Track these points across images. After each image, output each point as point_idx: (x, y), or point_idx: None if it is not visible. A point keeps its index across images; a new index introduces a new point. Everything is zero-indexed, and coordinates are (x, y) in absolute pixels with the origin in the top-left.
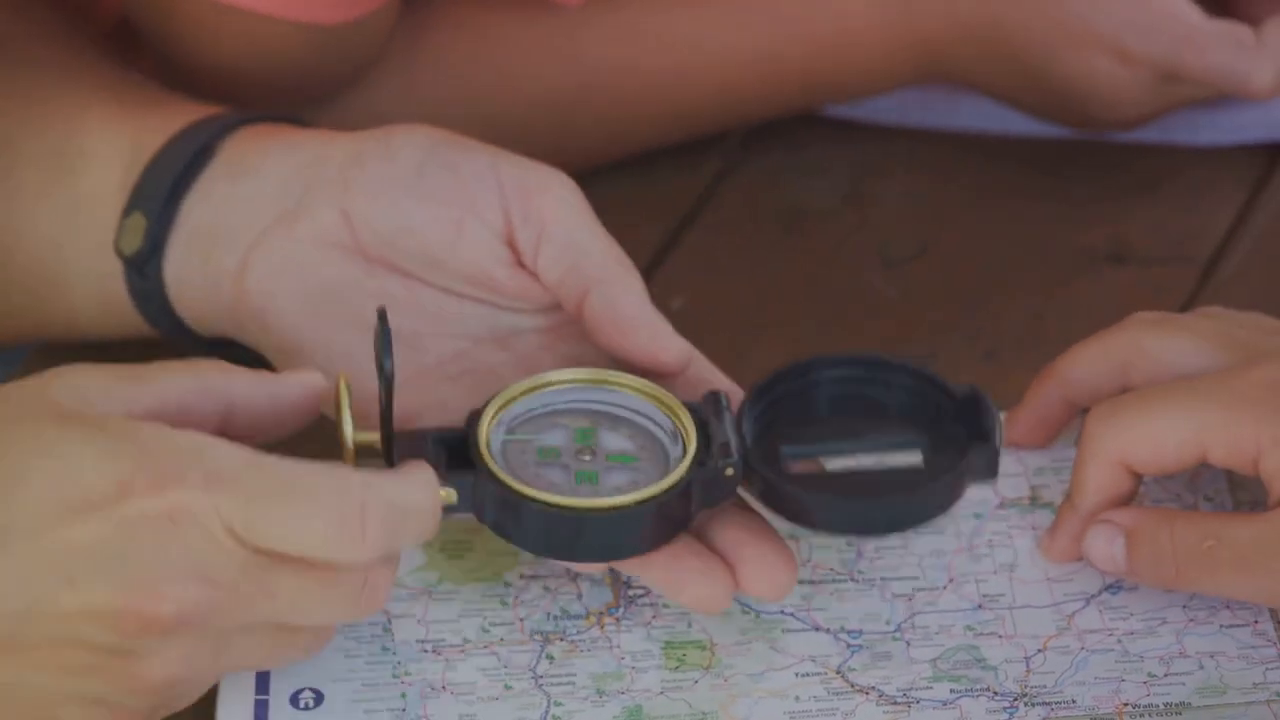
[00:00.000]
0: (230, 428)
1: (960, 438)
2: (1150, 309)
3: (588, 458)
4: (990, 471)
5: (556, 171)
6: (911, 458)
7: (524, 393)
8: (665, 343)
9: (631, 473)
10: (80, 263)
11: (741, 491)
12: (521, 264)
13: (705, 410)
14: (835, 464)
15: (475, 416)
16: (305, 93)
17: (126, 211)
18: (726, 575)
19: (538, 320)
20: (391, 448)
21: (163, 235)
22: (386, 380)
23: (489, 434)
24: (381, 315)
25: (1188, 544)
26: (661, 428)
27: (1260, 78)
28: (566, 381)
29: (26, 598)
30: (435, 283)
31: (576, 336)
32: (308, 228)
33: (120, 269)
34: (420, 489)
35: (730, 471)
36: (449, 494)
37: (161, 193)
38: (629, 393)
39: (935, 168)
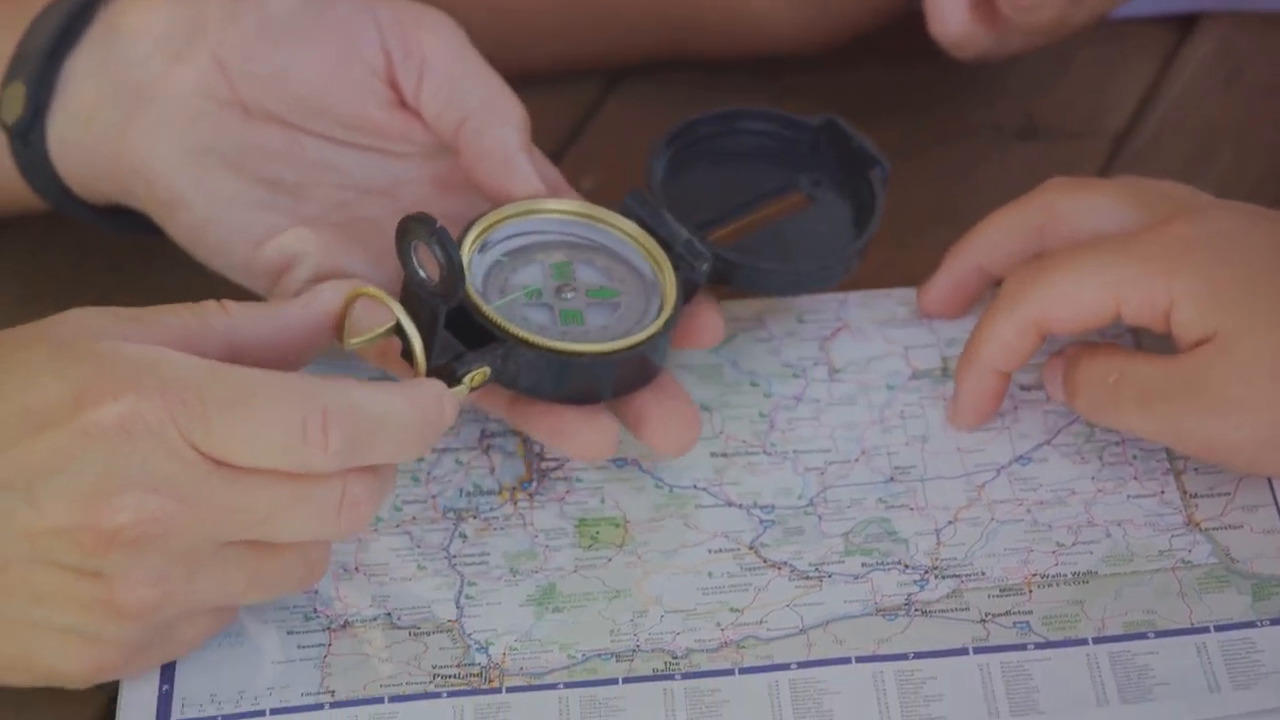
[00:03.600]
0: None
1: (830, 163)
2: None
3: (569, 295)
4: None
5: (433, 9)
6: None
7: (503, 220)
8: (519, 177)
9: (610, 309)
10: None
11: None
12: (404, 104)
13: (636, 210)
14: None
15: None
16: None
17: (6, 81)
18: (611, 423)
19: (424, 170)
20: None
21: (43, 102)
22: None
23: (484, 290)
24: (424, 219)
25: (1092, 376)
26: (633, 260)
27: None
28: (555, 211)
29: None
30: (315, 130)
31: (463, 187)
32: (185, 82)
33: (5, 141)
34: (403, 398)
35: (706, 267)
36: (482, 373)
37: (40, 58)
38: (604, 227)
39: (844, 46)
